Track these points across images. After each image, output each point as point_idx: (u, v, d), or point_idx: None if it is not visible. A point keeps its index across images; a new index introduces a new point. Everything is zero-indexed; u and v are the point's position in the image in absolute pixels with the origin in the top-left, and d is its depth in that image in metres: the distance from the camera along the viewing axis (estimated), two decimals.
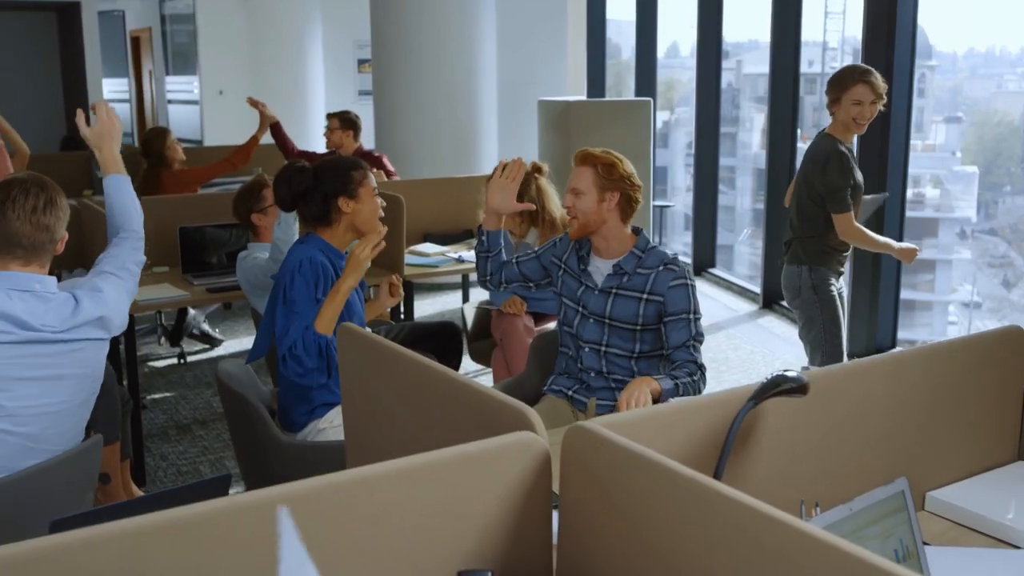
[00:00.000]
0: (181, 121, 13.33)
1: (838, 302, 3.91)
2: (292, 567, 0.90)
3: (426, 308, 6.85)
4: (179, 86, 13.44)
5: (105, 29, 13.03)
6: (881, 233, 4.24)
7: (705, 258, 8.07)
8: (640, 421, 1.58)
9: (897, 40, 5.15)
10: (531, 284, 3.06)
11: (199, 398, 5.12)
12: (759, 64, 6.94)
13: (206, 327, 6.00)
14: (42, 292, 2.43)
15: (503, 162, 3.03)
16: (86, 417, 2.63)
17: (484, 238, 3.07)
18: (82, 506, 2.52)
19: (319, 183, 2.99)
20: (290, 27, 11.40)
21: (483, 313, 4.48)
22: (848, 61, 7.23)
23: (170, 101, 13.82)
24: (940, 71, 9.60)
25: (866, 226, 3.89)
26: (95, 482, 2.64)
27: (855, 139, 3.92)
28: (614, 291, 2.84)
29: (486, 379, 4.41)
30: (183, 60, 13.27)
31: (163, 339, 6.01)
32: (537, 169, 4.11)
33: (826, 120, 3.91)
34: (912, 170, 9.01)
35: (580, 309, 2.90)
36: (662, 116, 11.14)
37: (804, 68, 7.01)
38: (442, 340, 3.77)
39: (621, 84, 10.98)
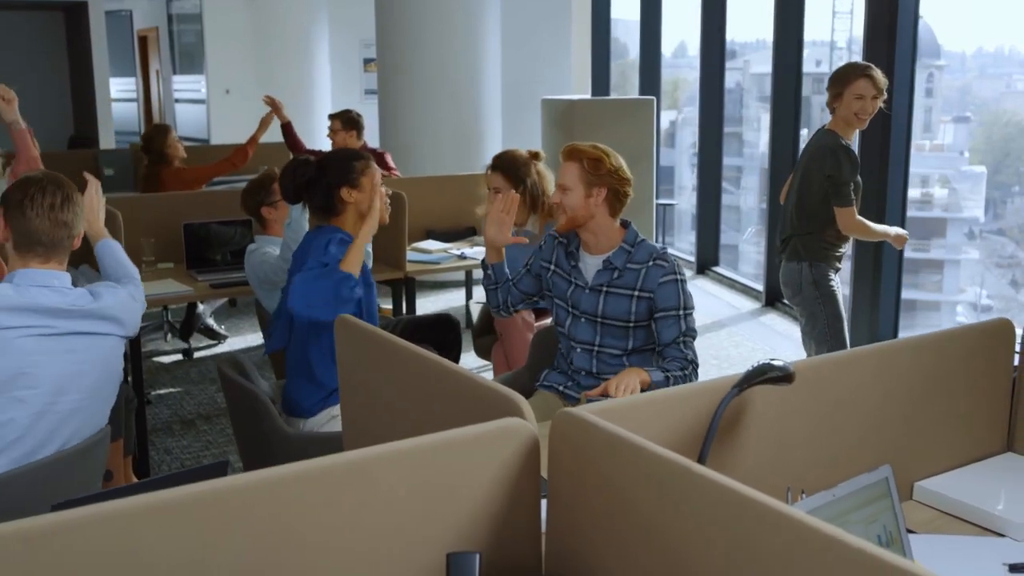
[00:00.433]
0: (188, 120, 13.40)
1: (839, 297, 3.93)
2: None
3: (428, 306, 6.88)
4: (186, 85, 13.51)
5: (112, 29, 13.11)
6: (882, 223, 4.25)
7: (709, 256, 8.09)
8: (628, 408, 1.60)
9: (898, 38, 5.16)
10: (534, 298, 3.09)
11: (203, 394, 5.16)
12: (766, 64, 6.96)
13: (211, 323, 6.04)
14: (60, 287, 2.49)
15: (494, 194, 3.06)
16: (106, 414, 2.67)
17: (490, 271, 3.10)
18: None
19: (322, 174, 3.06)
20: (296, 26, 11.45)
21: (488, 308, 4.51)
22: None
23: (177, 100, 13.89)
24: (949, 71, 9.60)
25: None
26: (101, 476, 2.68)
27: (855, 138, 3.95)
28: (605, 289, 2.84)
29: (490, 375, 4.44)
30: (190, 59, 13.34)
31: (169, 335, 6.05)
32: (535, 155, 4.14)
33: None
34: (920, 170, 9.02)
35: (571, 310, 2.91)
36: (669, 116, 11.16)
37: (812, 68, 7.03)
38: (439, 333, 3.81)
39: (627, 84, 10.99)
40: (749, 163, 10.85)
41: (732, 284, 7.62)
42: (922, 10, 5.29)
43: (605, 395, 2.50)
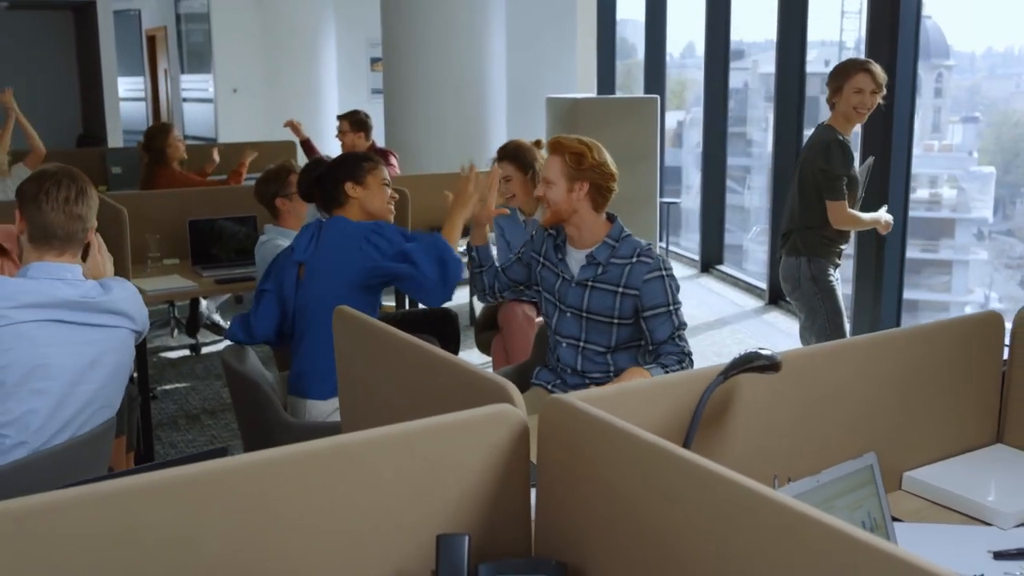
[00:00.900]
0: (196, 119, 13.46)
1: (838, 292, 3.95)
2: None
3: None
4: (194, 84, 13.57)
5: (121, 28, 13.16)
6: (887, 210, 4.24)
7: (713, 255, 8.11)
8: (616, 395, 1.63)
9: (900, 37, 5.18)
10: (521, 287, 3.12)
11: (209, 389, 5.20)
12: (773, 64, 6.98)
13: (217, 318, 6.09)
14: (72, 280, 2.53)
15: (506, 183, 3.15)
16: (117, 404, 2.71)
17: (475, 254, 3.14)
18: None
19: (333, 170, 3.23)
20: (304, 26, 11.50)
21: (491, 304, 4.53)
22: None
23: (185, 99, 13.96)
24: (958, 71, 9.56)
25: (865, 193, 3.95)
26: (106, 465, 2.72)
27: (855, 136, 3.97)
28: (590, 284, 2.83)
29: (491, 370, 4.47)
30: (198, 59, 13.40)
31: (175, 331, 6.10)
32: (538, 144, 4.17)
33: None
34: (929, 170, 9.00)
35: (557, 303, 2.91)
36: (677, 116, 11.15)
37: (820, 67, 7.03)
38: (437, 326, 3.84)
39: (633, 84, 11.00)
40: (757, 163, 10.84)
41: (736, 282, 7.64)
42: (931, 10, 5.30)
43: None
